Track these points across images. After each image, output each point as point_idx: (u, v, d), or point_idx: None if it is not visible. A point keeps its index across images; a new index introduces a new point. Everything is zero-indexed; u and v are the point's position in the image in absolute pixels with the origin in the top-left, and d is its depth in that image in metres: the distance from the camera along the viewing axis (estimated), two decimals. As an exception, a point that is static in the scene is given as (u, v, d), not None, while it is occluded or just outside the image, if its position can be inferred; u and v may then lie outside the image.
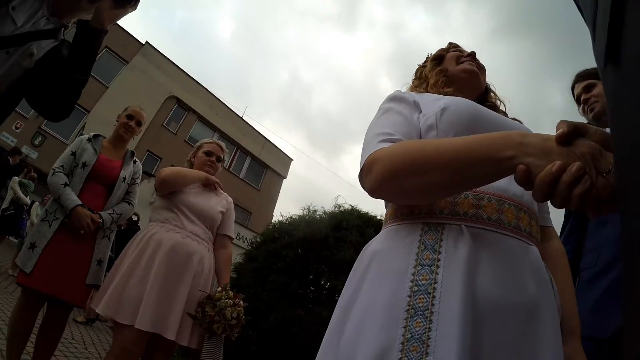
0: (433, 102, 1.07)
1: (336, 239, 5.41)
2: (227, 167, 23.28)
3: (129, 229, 7.22)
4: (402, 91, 1.16)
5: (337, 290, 4.86)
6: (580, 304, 1.11)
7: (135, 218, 7.37)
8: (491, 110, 1.09)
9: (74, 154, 2.69)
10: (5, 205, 7.72)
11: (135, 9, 1.53)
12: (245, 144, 24.17)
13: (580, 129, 0.67)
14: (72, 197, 2.52)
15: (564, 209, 1.17)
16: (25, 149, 15.96)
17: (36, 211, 8.26)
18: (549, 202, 0.67)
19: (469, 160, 0.76)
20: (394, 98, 1.12)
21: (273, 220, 7.45)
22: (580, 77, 2.07)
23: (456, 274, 0.78)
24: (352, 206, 6.18)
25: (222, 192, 2.77)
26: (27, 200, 7.87)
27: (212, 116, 22.86)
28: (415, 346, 0.74)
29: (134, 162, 2.96)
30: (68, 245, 2.51)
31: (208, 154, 2.76)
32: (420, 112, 1.06)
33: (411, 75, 1.43)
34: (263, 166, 25.11)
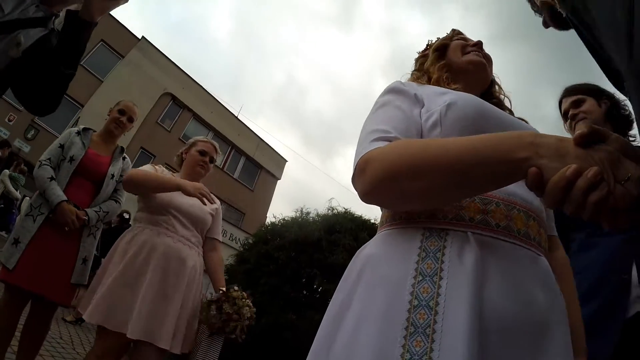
0: (437, 97, 0.98)
1: (329, 242, 5.38)
2: (221, 167, 23.20)
3: (119, 227, 7.14)
4: (403, 82, 1.07)
5: (329, 294, 4.82)
6: None
7: (127, 216, 7.28)
8: (498, 108, 1.01)
9: (62, 146, 2.61)
10: None
11: (127, 1, 1.46)
12: (240, 144, 24.09)
13: (600, 133, 0.61)
14: (58, 192, 2.44)
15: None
16: (18, 142, 15.82)
17: (26, 206, 8.16)
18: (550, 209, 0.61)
19: (477, 162, 0.68)
20: (393, 90, 1.02)
21: (266, 222, 7.41)
22: (569, 91, 2.01)
23: (461, 287, 0.70)
24: (346, 209, 6.17)
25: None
26: (18, 194, 7.77)
27: (207, 114, 22.77)
28: None
29: (124, 158, 2.88)
30: (53, 241, 2.43)
31: (202, 153, 2.65)
32: (423, 106, 0.98)
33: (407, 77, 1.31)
34: (257, 166, 25.05)
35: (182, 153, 2.73)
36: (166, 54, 21.62)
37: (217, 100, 23.64)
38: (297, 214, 6.44)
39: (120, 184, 2.80)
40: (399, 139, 0.86)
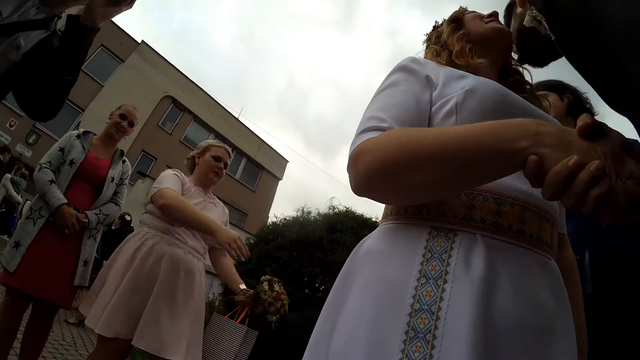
0: (454, 81, 0.88)
1: (330, 241, 5.38)
2: (222, 168, 23.24)
3: (120, 229, 7.16)
4: (417, 59, 0.97)
5: (330, 293, 4.83)
6: None
7: (128, 218, 7.30)
8: (523, 100, 0.91)
9: (62, 150, 2.62)
10: None
11: (131, 7, 1.43)
12: (241, 145, 24.10)
13: (603, 127, 0.59)
14: (58, 195, 2.45)
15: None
16: (19, 147, 15.86)
17: (27, 209, 8.18)
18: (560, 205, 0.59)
19: (477, 153, 0.64)
20: (404, 68, 0.93)
21: (267, 222, 7.42)
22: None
23: (467, 292, 0.66)
24: (347, 208, 6.16)
25: (219, 201, 2.67)
26: (19, 198, 7.80)
27: (208, 117, 22.79)
28: None
29: (123, 161, 2.89)
30: (53, 244, 2.44)
31: (217, 159, 2.57)
32: (435, 89, 0.89)
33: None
34: (259, 167, 25.05)
35: (194, 157, 2.65)
36: (166, 58, 21.67)
37: (218, 103, 23.68)
38: (299, 214, 6.45)
39: (120, 187, 2.82)
40: (394, 128, 0.80)
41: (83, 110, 18.05)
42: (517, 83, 1.08)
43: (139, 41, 20.68)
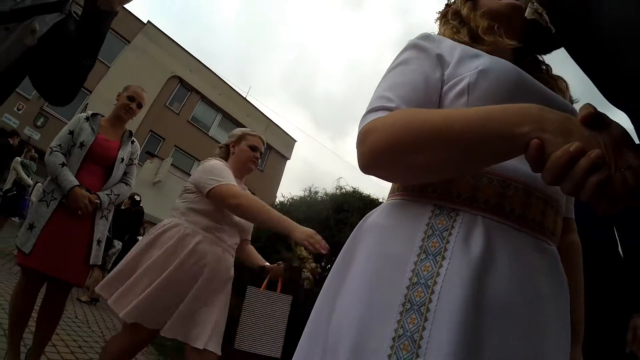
0: (469, 60, 0.87)
1: (337, 220, 5.42)
2: (230, 148, 23.29)
3: (130, 209, 7.26)
4: (432, 35, 0.96)
5: (337, 271, 4.89)
6: None
7: (137, 198, 7.39)
8: (539, 83, 0.89)
9: (71, 132, 2.65)
10: (8, 186, 7.76)
11: None
12: (249, 125, 24.00)
13: (604, 118, 0.60)
14: (70, 178, 2.50)
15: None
16: (28, 131, 15.97)
17: (39, 192, 8.27)
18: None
19: (481, 135, 0.65)
20: (415, 46, 0.92)
21: (275, 202, 7.47)
22: None
23: (462, 269, 0.69)
24: (354, 188, 6.18)
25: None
26: (30, 180, 7.88)
27: (215, 96, 22.76)
28: (405, 345, 0.67)
29: (132, 142, 2.92)
30: (66, 225, 2.50)
31: (253, 148, 2.54)
32: (447, 67, 0.88)
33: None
34: (267, 147, 24.97)
35: (229, 145, 2.61)
36: (173, 37, 21.56)
37: (225, 82, 23.62)
38: (306, 194, 6.49)
39: (129, 167, 2.86)
40: (401, 109, 0.80)
41: (90, 92, 18.10)
42: (533, 62, 1.07)
43: (145, 21, 20.57)
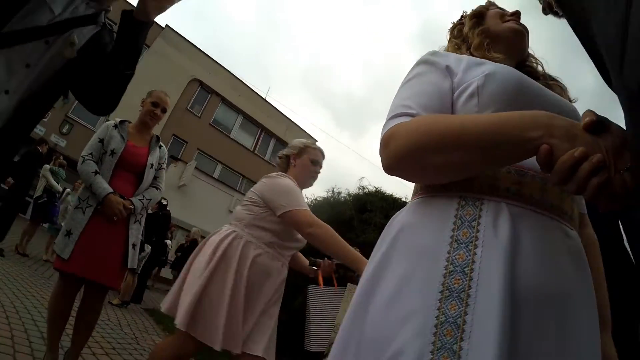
0: (475, 67, 0.95)
1: (360, 221, 5.44)
2: (252, 149, 23.42)
3: (157, 213, 7.38)
4: (438, 52, 1.05)
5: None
6: None
7: (164, 202, 7.51)
8: (539, 84, 0.98)
9: (101, 141, 2.74)
10: (38, 193, 7.99)
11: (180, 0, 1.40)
12: (270, 126, 24.21)
13: (605, 123, 0.67)
14: (104, 185, 2.58)
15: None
16: (54, 138, 16.29)
17: (69, 198, 8.47)
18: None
19: (496, 139, 0.73)
20: (425, 62, 1.02)
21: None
22: None
23: (496, 255, 0.74)
24: (377, 188, 6.20)
25: None
26: (59, 187, 8.08)
27: (236, 98, 22.90)
28: (449, 330, 0.70)
29: (160, 147, 3.00)
30: (102, 230, 2.58)
31: (314, 162, 2.53)
32: (456, 77, 0.96)
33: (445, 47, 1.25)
34: (287, 147, 25.11)
35: (290, 156, 2.57)
36: (191, 40, 21.76)
37: (245, 84, 23.73)
38: (329, 194, 6.53)
39: (159, 171, 2.94)
40: (421, 115, 0.88)
41: (113, 97, 18.35)
42: (530, 73, 1.12)
43: (163, 26, 20.78)
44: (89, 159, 2.66)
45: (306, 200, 6.84)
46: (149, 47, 20.05)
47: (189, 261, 2.28)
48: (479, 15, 1.21)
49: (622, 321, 1.66)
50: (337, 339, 0.91)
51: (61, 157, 8.63)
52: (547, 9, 1.04)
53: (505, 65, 0.96)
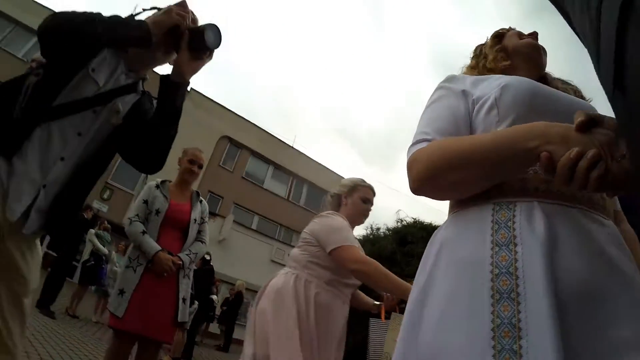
0: (491, 82, 1.03)
1: (403, 254, 5.40)
2: (286, 197, 23.67)
3: (201, 268, 7.45)
4: (456, 75, 1.15)
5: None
6: None
7: (208, 257, 7.61)
8: (552, 88, 1.04)
9: (145, 202, 2.88)
10: (85, 257, 8.34)
11: (211, 59, 1.55)
12: (300, 172, 24.44)
13: (596, 118, 0.72)
14: (152, 244, 2.70)
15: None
16: (96, 204, 16.86)
17: (115, 259, 8.74)
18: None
19: (501, 155, 0.81)
20: (442, 87, 1.11)
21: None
22: None
23: (536, 251, 0.76)
24: (415, 219, 6.16)
25: None
26: (105, 250, 8.37)
27: (265, 149, 23.34)
28: (506, 331, 0.72)
29: (200, 201, 3.12)
30: (153, 287, 2.68)
31: (365, 201, 2.52)
32: (473, 96, 1.03)
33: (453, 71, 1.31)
34: (321, 191, 25.20)
35: (341, 195, 2.57)
36: (216, 100, 22.52)
37: (272, 134, 24.24)
38: (368, 231, 6.52)
39: (202, 225, 3.05)
40: (436, 140, 0.96)
41: (149, 162, 18.97)
42: (560, 86, 1.17)
43: (189, 89, 21.57)
44: (135, 220, 2.79)
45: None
46: (178, 110, 20.78)
47: (252, 310, 2.27)
48: (499, 36, 1.30)
49: None
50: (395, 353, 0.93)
51: (105, 222, 8.98)
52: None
53: (519, 77, 1.04)
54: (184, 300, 2.81)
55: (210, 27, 1.49)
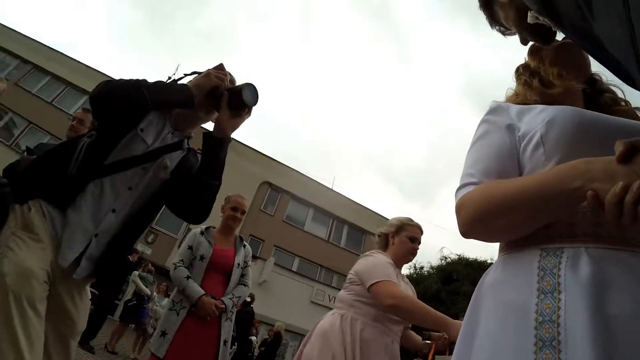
0: (536, 116, 0.99)
1: (448, 292, 5.30)
2: (326, 239, 23.61)
3: (241, 310, 7.50)
4: (500, 104, 1.10)
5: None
6: None
7: (248, 299, 7.66)
8: (602, 114, 0.99)
9: (190, 247, 2.98)
10: (128, 297, 8.69)
11: (250, 115, 1.67)
12: (340, 214, 24.43)
13: (637, 146, 0.70)
14: (196, 288, 2.77)
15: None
16: (141, 247, 17.35)
17: (157, 299, 9.02)
18: None
19: (546, 197, 0.80)
20: (487, 121, 1.08)
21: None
22: None
23: (579, 298, 0.75)
24: (459, 255, 6.06)
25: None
26: (148, 291, 8.63)
27: (304, 193, 23.54)
28: None
29: (244, 246, 3.20)
30: (195, 330, 2.74)
31: (413, 240, 2.51)
32: (519, 131, 1.01)
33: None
34: (361, 232, 25.02)
35: (388, 235, 2.58)
36: (256, 148, 23.12)
37: (311, 178, 24.51)
38: (411, 271, 6.42)
39: (245, 269, 3.12)
40: (483, 183, 0.96)
41: (192, 209, 19.48)
42: (609, 102, 1.13)
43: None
44: (180, 265, 2.88)
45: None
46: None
47: (297, 354, 2.28)
48: (537, 50, 1.22)
49: None
50: None
51: (149, 264, 9.33)
52: (526, 39, 1.09)
53: (565, 107, 0.98)
54: (225, 342, 2.84)
55: (248, 86, 1.60)
